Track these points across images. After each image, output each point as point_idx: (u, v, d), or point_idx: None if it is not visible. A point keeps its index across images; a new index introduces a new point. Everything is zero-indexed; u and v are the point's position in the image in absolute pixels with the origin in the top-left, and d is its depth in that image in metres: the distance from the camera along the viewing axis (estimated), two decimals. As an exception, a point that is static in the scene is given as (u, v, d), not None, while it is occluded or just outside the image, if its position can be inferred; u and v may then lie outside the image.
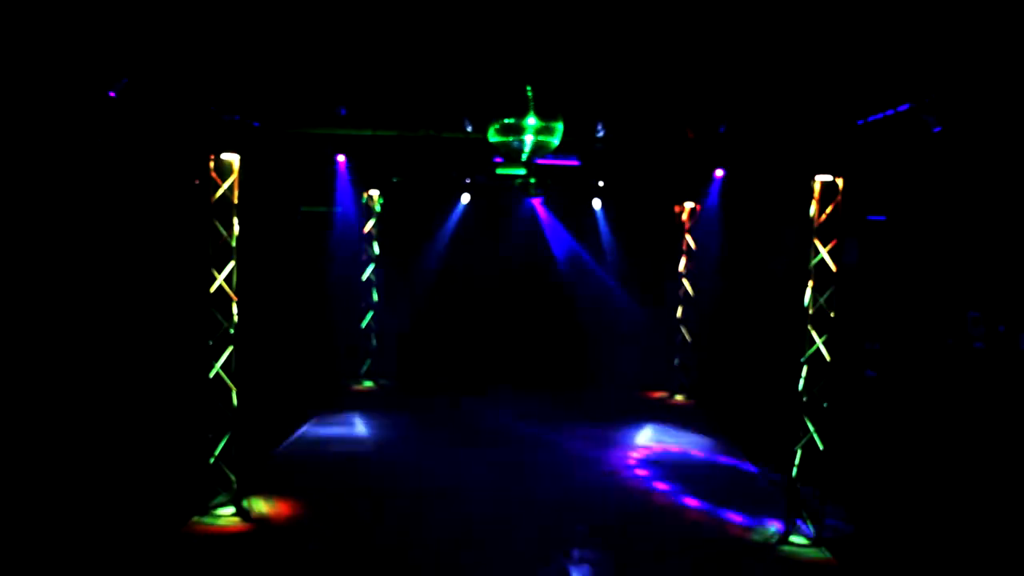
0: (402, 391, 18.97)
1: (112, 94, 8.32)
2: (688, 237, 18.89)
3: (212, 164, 10.73)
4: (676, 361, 19.20)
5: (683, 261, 19.02)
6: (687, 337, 18.99)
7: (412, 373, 19.67)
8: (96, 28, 7.54)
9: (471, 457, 13.81)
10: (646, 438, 15.68)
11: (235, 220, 10.87)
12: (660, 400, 18.91)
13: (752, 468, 13.84)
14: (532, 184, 17.94)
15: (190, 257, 11.17)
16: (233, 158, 10.80)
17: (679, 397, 19.00)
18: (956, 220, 11.13)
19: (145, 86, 8.88)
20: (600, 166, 17.58)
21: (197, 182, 11.14)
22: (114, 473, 11.20)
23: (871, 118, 9.05)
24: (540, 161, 14.74)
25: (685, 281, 18.98)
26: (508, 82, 8.96)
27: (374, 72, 9.71)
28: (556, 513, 11.38)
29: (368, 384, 19.27)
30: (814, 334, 10.69)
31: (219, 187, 10.76)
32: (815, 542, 10.56)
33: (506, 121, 8.64)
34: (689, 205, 18.82)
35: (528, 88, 8.34)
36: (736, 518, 11.41)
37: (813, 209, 10.60)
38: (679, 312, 19.13)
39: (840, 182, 10.33)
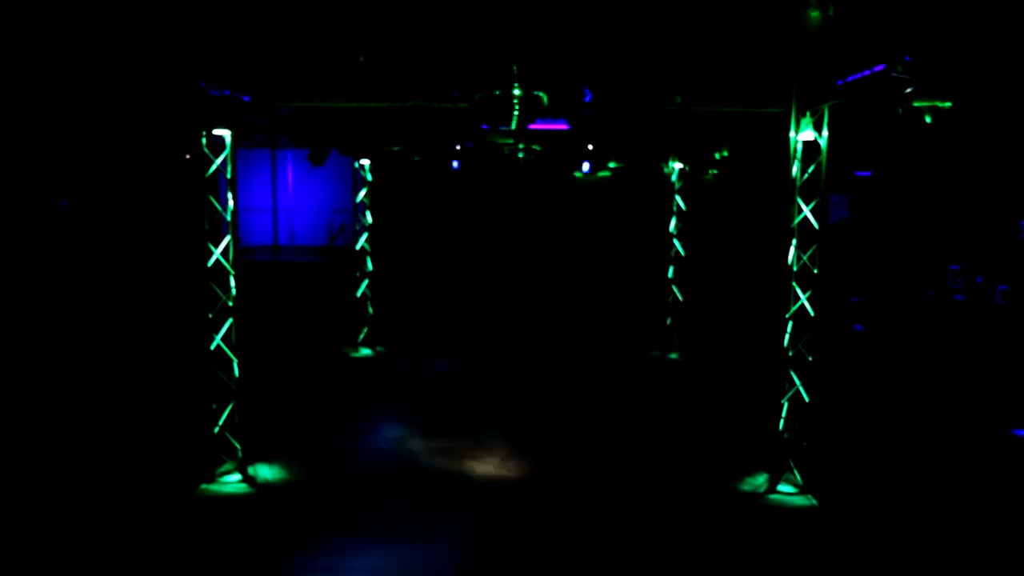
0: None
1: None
2: (678, 198, 19.08)
3: (204, 140, 10.88)
4: (669, 320, 19.54)
5: (673, 221, 19.24)
6: (679, 297, 19.31)
7: (408, 341, 19.97)
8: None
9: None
10: None
11: (230, 195, 11.05)
12: (655, 359, 19.27)
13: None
14: (521, 148, 18.08)
15: (186, 233, 11.37)
16: (225, 133, 10.95)
17: (673, 356, 19.36)
18: (936, 176, 11.36)
19: (136, 64, 9.00)
20: (589, 129, 17.71)
21: (188, 157, 11.30)
22: (123, 446, 11.54)
23: (850, 78, 9.22)
24: (529, 126, 14.90)
25: (676, 241, 19.23)
26: (495, 47, 9.09)
27: (364, 43, 9.82)
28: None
29: (366, 352, 19.57)
30: (798, 290, 10.97)
31: (212, 163, 10.92)
32: (802, 490, 10.96)
33: (492, 92, 8.79)
34: (678, 166, 18.99)
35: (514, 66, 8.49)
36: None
37: (795, 168, 10.81)
38: (670, 272, 19.41)
39: (822, 141, 10.53)
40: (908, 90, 7.37)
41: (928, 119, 7.34)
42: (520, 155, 17.37)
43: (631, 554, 9.31)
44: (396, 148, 18.48)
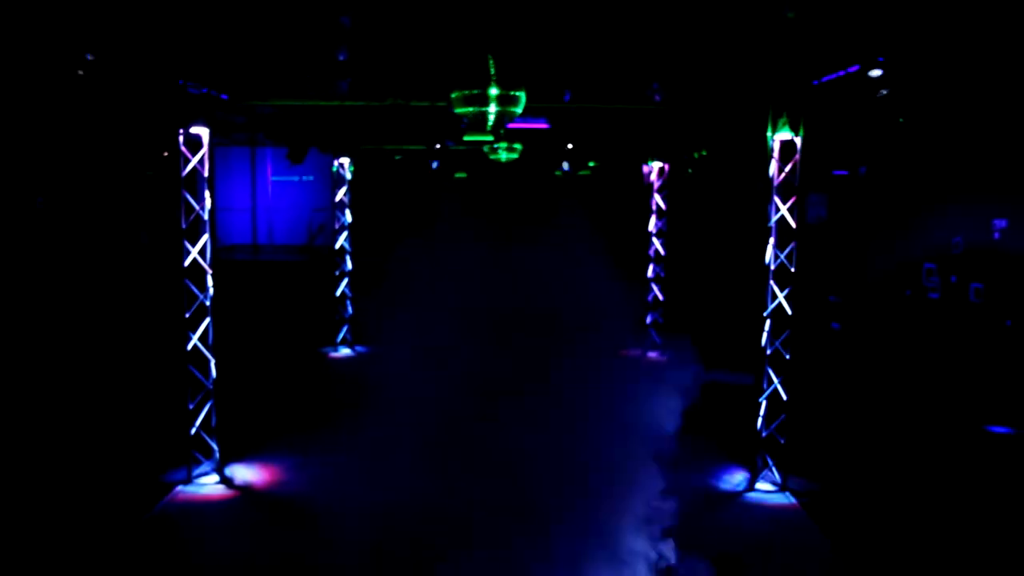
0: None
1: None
2: (657, 196, 19.14)
3: (181, 138, 10.77)
4: (648, 319, 19.61)
5: (652, 220, 19.30)
6: (659, 295, 19.38)
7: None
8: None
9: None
10: None
11: (207, 193, 10.96)
12: (634, 359, 19.29)
13: None
14: (501, 148, 18.06)
15: (163, 231, 11.27)
16: (202, 131, 10.85)
17: (652, 355, 19.42)
18: (911, 174, 11.48)
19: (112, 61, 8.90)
20: (569, 128, 17.74)
21: (166, 154, 11.19)
22: (97, 448, 11.39)
23: (825, 78, 9.29)
24: (509, 125, 14.90)
25: (655, 240, 19.30)
26: (473, 48, 9.06)
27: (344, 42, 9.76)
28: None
29: (345, 351, 19.49)
30: (776, 289, 11.04)
31: (189, 161, 10.82)
32: (780, 488, 11.04)
33: (470, 92, 8.76)
34: (657, 164, 19.05)
35: (490, 59, 8.46)
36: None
37: (773, 168, 10.87)
38: (650, 271, 19.47)
39: (798, 141, 10.60)
40: (882, 91, 7.44)
41: (901, 119, 7.41)
42: (500, 154, 17.36)
43: (615, 551, 9.33)
44: (374, 146, 18.44)
